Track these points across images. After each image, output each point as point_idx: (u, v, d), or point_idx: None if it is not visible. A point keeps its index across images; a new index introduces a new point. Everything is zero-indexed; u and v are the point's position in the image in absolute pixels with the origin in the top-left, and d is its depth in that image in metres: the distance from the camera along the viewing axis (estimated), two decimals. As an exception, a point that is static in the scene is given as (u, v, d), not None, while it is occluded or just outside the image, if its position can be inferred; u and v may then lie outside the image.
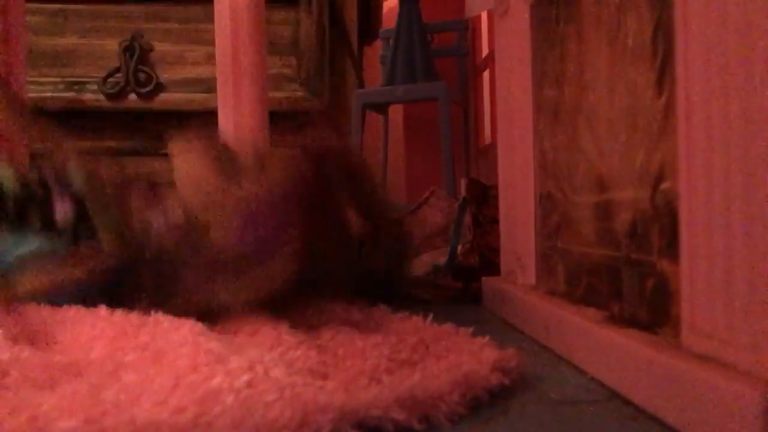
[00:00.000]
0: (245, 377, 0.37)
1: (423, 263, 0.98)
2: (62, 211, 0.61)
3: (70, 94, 1.49)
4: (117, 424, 0.31)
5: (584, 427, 0.37)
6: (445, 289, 0.92)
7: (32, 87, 1.36)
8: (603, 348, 0.46)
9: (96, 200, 0.62)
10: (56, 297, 0.57)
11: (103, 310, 0.53)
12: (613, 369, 0.44)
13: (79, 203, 0.61)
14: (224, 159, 0.64)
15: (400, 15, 1.67)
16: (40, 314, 0.55)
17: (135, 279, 0.58)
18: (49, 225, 0.60)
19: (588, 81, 0.56)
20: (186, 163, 0.65)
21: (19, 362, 0.44)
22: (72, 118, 1.50)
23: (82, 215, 0.61)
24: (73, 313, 0.54)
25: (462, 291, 0.92)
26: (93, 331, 0.49)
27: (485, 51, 1.79)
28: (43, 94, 1.47)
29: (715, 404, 0.32)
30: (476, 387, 0.40)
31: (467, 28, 1.85)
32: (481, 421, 0.38)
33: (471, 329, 0.53)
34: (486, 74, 1.78)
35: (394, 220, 0.74)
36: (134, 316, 0.51)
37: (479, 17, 1.84)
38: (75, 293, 0.57)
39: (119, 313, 0.52)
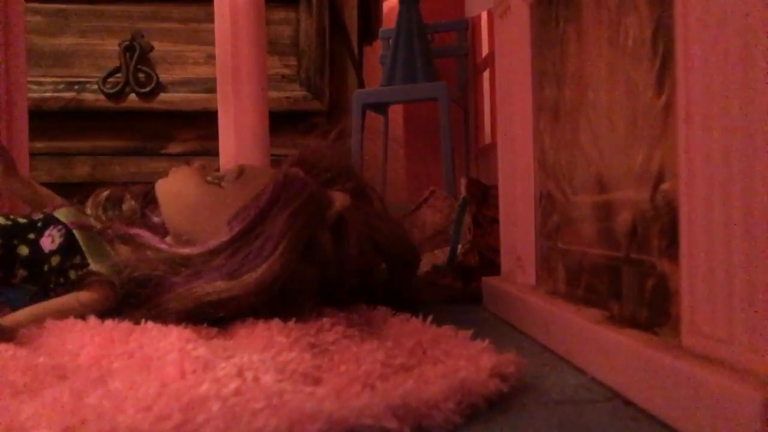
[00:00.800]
0: (233, 384, 0.36)
1: (423, 263, 0.98)
2: (50, 237, 0.61)
3: (70, 94, 1.49)
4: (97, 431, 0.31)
5: (584, 427, 0.37)
6: (445, 289, 0.92)
7: (32, 87, 1.36)
8: (603, 348, 0.46)
9: (84, 233, 0.62)
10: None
11: (92, 318, 0.53)
12: (613, 369, 0.44)
13: (67, 235, 0.62)
14: (205, 173, 0.66)
15: (400, 15, 1.67)
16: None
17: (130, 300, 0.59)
18: (37, 259, 0.61)
19: (588, 81, 0.56)
20: (168, 183, 0.66)
21: (2, 361, 0.43)
22: (72, 118, 1.50)
23: (71, 245, 0.61)
24: (62, 321, 0.54)
25: (462, 291, 0.92)
26: (82, 338, 0.49)
27: (485, 51, 1.79)
28: (43, 94, 1.47)
29: (715, 404, 0.32)
30: (473, 394, 0.39)
31: (467, 28, 1.84)
32: (480, 421, 0.38)
33: (470, 332, 0.53)
34: (486, 74, 1.78)
35: (400, 235, 0.73)
36: (124, 325, 0.51)
37: (479, 17, 1.84)
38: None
39: (109, 322, 0.52)
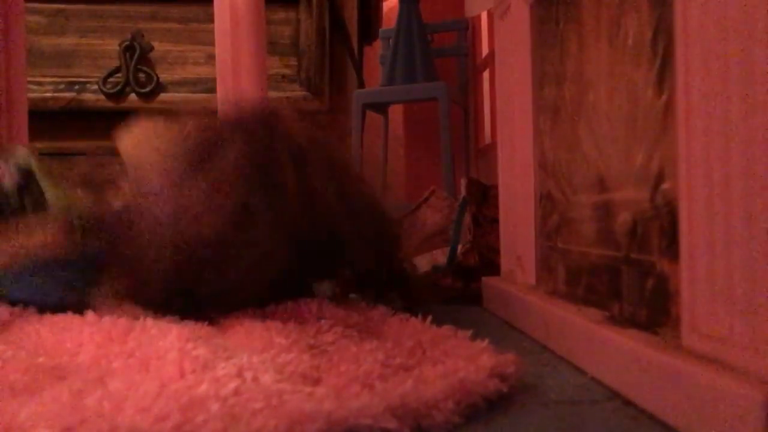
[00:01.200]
0: (232, 384, 0.36)
1: (423, 263, 0.98)
2: (7, 174, 0.60)
3: (70, 94, 1.49)
4: (96, 432, 0.31)
5: (584, 427, 0.37)
6: (445, 289, 0.92)
7: (32, 87, 1.36)
8: (603, 348, 0.46)
9: (45, 174, 0.61)
10: (11, 272, 0.57)
11: (90, 315, 0.53)
12: (613, 369, 0.44)
13: (26, 175, 0.60)
14: (166, 131, 0.63)
15: (400, 15, 1.67)
16: (28, 319, 0.55)
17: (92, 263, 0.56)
18: None
19: (588, 81, 0.56)
20: (130, 138, 0.63)
21: (2, 362, 0.43)
22: (72, 118, 1.50)
23: (29, 187, 0.60)
24: (60, 317, 0.54)
25: (462, 291, 0.92)
26: (80, 337, 0.49)
27: (485, 51, 1.79)
28: (43, 94, 1.47)
29: (715, 404, 0.32)
30: (472, 394, 0.39)
31: (467, 28, 1.84)
32: (481, 421, 0.38)
33: (470, 332, 0.53)
34: (486, 74, 1.78)
35: (377, 216, 0.68)
36: (122, 322, 0.51)
37: (479, 17, 1.84)
38: (30, 269, 0.56)
39: (107, 319, 0.52)
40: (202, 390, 0.36)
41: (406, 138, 2.06)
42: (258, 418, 0.32)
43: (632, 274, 0.47)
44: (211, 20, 0.96)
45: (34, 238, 0.57)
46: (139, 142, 0.62)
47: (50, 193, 0.60)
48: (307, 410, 0.33)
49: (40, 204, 0.59)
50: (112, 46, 1.51)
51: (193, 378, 0.38)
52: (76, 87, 1.50)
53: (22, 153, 0.62)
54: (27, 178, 0.60)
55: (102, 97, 1.50)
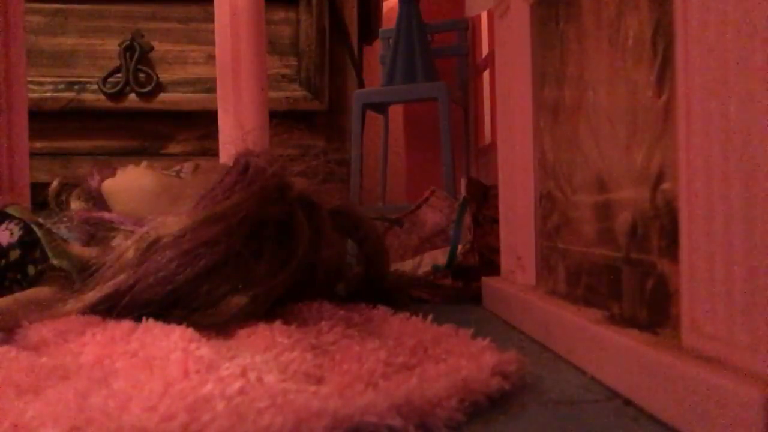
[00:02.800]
0: (237, 384, 0.37)
1: (423, 263, 0.98)
2: (8, 231, 0.61)
3: (70, 94, 1.49)
4: (103, 431, 0.31)
5: (584, 427, 0.37)
6: (445, 289, 0.92)
7: (32, 87, 1.36)
8: (603, 348, 0.46)
9: (43, 229, 0.62)
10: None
11: (93, 315, 0.53)
12: (613, 369, 0.44)
13: (25, 228, 0.62)
14: (158, 168, 0.68)
15: (400, 15, 1.66)
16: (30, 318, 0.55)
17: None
18: None
19: (588, 81, 0.56)
20: (117, 181, 0.68)
21: (5, 362, 0.43)
22: (72, 118, 1.50)
23: (29, 241, 0.61)
24: (63, 318, 0.54)
25: (462, 291, 0.92)
26: (83, 337, 0.49)
27: (485, 51, 1.79)
28: (43, 94, 1.47)
29: (715, 404, 0.32)
30: (475, 392, 0.40)
31: (467, 28, 1.84)
32: (481, 421, 0.38)
33: (471, 331, 0.53)
34: (486, 74, 1.78)
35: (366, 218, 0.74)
36: (125, 323, 0.51)
37: (479, 17, 1.84)
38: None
39: (110, 319, 0.52)
40: (207, 389, 0.36)
41: (406, 138, 2.06)
42: (265, 417, 0.33)
43: (632, 274, 0.47)
44: (211, 20, 0.96)
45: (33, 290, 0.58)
46: (136, 187, 0.67)
47: (51, 249, 0.61)
48: (314, 408, 0.33)
49: (41, 262, 0.60)
50: (112, 46, 1.51)
51: (197, 378, 0.38)
52: (76, 87, 1.50)
53: (18, 211, 0.64)
54: (28, 235, 0.61)
55: (102, 97, 1.50)
